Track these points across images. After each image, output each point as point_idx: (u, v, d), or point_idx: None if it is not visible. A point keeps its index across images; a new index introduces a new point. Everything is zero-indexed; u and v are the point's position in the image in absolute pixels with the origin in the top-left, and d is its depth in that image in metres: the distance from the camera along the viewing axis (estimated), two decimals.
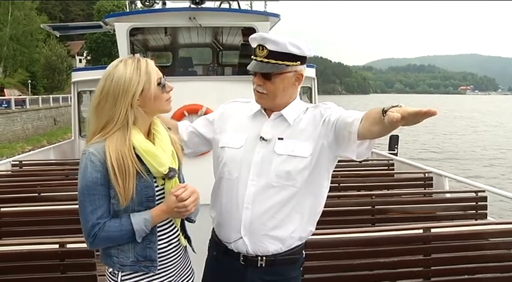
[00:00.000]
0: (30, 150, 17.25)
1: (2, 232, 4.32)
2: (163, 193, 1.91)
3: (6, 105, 32.72)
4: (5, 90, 40.53)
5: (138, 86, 1.81)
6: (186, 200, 1.85)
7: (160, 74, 1.91)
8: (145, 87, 1.83)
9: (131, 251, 1.88)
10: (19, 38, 47.73)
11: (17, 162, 7.96)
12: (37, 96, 40.25)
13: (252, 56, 2.13)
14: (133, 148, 1.81)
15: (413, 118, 1.52)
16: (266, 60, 2.05)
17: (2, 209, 4.35)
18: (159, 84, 1.88)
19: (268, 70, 2.06)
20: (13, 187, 6.03)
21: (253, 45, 2.12)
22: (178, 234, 2.01)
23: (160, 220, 1.90)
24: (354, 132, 1.86)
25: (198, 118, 2.47)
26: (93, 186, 1.78)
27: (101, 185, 1.79)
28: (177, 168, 1.94)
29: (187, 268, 2.08)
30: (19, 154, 13.86)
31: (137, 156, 1.82)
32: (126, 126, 1.82)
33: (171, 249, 1.96)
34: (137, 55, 1.93)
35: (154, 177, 1.88)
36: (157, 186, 1.89)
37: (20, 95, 40.36)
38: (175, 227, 2.00)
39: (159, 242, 1.92)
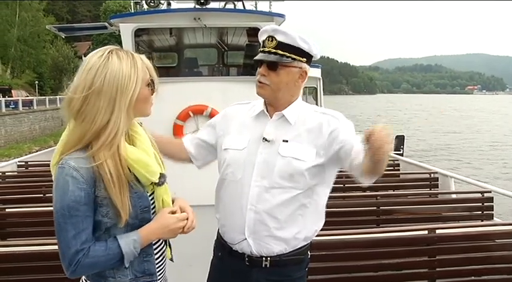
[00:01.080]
0: (37, 151, 17.33)
1: (8, 233, 4.35)
2: (154, 202, 1.72)
3: (13, 106, 32.95)
4: (12, 91, 40.82)
5: (136, 85, 1.59)
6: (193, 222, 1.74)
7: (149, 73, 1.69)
8: (141, 86, 1.62)
9: (129, 268, 1.67)
10: (26, 39, 48.15)
11: (23, 163, 8.03)
12: (44, 97, 40.53)
13: (260, 49, 2.13)
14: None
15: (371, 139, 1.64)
16: (274, 50, 2.06)
17: (7, 210, 4.39)
18: (148, 84, 1.67)
19: (276, 59, 2.06)
20: (19, 188, 6.09)
21: (263, 37, 2.12)
22: (165, 245, 1.84)
23: (150, 241, 1.69)
24: (356, 168, 1.94)
25: (202, 127, 2.44)
26: (76, 206, 1.52)
27: (84, 205, 1.54)
28: (164, 171, 1.76)
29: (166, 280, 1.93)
30: (26, 154, 13.93)
31: None
32: (124, 134, 1.61)
33: (162, 260, 1.82)
34: (112, 47, 1.67)
35: (143, 185, 1.67)
36: (147, 193, 1.70)
37: (27, 96, 40.63)
38: None
39: (155, 255, 1.76)
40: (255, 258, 2.12)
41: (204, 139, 2.34)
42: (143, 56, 1.68)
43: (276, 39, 2.06)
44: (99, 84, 1.55)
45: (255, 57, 2.12)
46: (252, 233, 2.09)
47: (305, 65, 2.11)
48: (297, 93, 2.19)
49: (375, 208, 4.72)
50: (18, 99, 34.56)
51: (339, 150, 2.02)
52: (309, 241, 2.21)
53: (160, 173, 1.70)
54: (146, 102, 1.68)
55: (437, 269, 3.32)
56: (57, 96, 41.86)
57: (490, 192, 4.96)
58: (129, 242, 1.61)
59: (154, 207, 1.73)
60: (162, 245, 1.82)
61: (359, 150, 1.87)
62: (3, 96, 35.55)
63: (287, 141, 2.08)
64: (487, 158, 29.55)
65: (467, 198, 5.11)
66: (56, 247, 2.96)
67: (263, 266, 2.11)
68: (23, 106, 33.67)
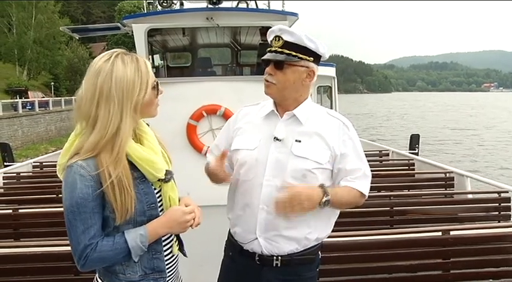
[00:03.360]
0: (53, 152, 17.56)
1: (21, 233, 4.39)
2: (161, 199, 1.77)
3: (30, 107, 33.43)
4: (28, 92, 41.36)
5: (140, 89, 1.65)
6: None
7: (153, 76, 1.73)
8: (146, 91, 1.67)
9: (138, 265, 1.71)
10: (42, 41, 48.75)
11: (38, 164, 8.11)
12: (60, 98, 41.14)
13: (268, 49, 2.15)
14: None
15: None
16: (280, 50, 2.07)
17: (20, 211, 4.42)
18: (153, 87, 1.71)
19: (282, 58, 2.07)
20: (33, 188, 6.16)
21: (270, 37, 2.14)
22: (173, 242, 1.87)
23: (158, 236, 1.73)
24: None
25: (219, 136, 2.42)
26: (84, 203, 1.59)
27: (92, 201, 1.60)
28: (170, 169, 1.81)
29: (179, 277, 1.96)
30: (43, 155, 14.12)
31: (129, 162, 1.66)
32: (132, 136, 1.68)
33: (172, 257, 1.85)
34: (118, 50, 1.71)
35: (150, 182, 1.73)
36: (155, 190, 1.75)
37: (44, 97, 41.18)
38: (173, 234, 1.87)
39: (164, 252, 1.80)
40: (265, 257, 2.12)
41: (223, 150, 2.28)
42: (146, 60, 1.72)
43: (282, 39, 2.07)
44: (106, 89, 1.60)
45: (263, 57, 2.13)
46: (263, 233, 2.10)
47: (312, 65, 2.11)
48: (306, 93, 2.18)
49: (388, 208, 4.65)
50: (34, 101, 35.05)
51: (338, 171, 2.11)
52: (320, 241, 2.20)
53: (166, 170, 1.75)
54: (151, 105, 1.74)
55: (452, 271, 3.27)
56: (73, 97, 42.03)
57: (507, 192, 4.84)
58: (135, 237, 1.65)
59: (161, 204, 1.77)
60: (172, 242, 1.84)
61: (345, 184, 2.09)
62: (19, 98, 36.07)
63: (300, 141, 2.08)
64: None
65: (483, 198, 5.02)
66: (66, 248, 3.01)
67: (274, 265, 2.12)
68: (39, 107, 34.14)
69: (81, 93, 1.65)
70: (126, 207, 1.62)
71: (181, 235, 1.89)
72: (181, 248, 1.91)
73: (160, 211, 1.75)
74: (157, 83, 1.74)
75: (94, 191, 1.60)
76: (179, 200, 1.82)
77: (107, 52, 1.69)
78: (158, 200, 1.75)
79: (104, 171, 1.59)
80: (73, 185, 1.59)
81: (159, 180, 1.73)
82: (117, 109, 1.61)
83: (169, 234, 1.82)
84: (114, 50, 1.71)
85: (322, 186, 2.00)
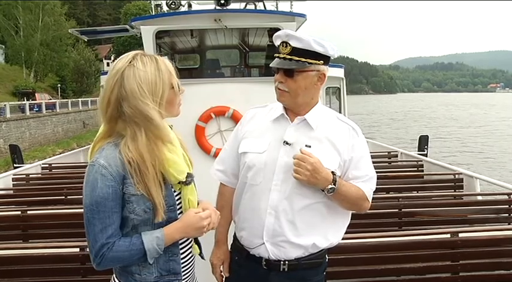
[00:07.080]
0: (60, 153, 17.64)
1: (30, 234, 4.41)
2: (181, 201, 1.78)
3: (37, 109, 33.52)
4: (36, 94, 41.55)
5: (163, 88, 1.67)
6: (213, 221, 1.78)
7: (174, 75, 1.75)
8: (168, 89, 1.70)
9: (154, 266, 1.73)
10: (49, 43, 48.91)
11: (47, 165, 8.16)
12: (66, 100, 41.32)
13: (275, 54, 2.10)
14: None
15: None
16: (289, 57, 2.03)
17: (29, 212, 4.44)
18: (173, 86, 1.73)
19: (291, 66, 2.03)
20: (42, 190, 6.20)
21: (277, 42, 2.10)
22: (192, 243, 1.89)
23: (174, 240, 1.73)
24: None
25: (227, 144, 2.39)
26: (104, 202, 1.62)
27: (111, 201, 1.63)
28: (191, 171, 1.81)
29: (195, 279, 1.97)
30: (50, 157, 14.18)
31: None
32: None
33: (189, 260, 1.86)
34: (136, 52, 1.74)
35: (170, 184, 1.74)
36: (175, 192, 1.76)
37: (51, 99, 41.36)
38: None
39: (181, 254, 1.81)
40: (272, 262, 2.10)
41: (233, 163, 2.28)
42: (166, 59, 1.74)
43: (290, 45, 2.02)
44: (127, 90, 1.62)
45: (271, 64, 2.10)
46: (270, 238, 2.07)
47: (323, 67, 2.08)
48: (317, 96, 2.15)
49: (397, 210, 4.63)
50: (41, 102, 35.17)
51: (346, 176, 2.09)
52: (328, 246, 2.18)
53: (188, 173, 1.75)
54: (173, 103, 1.75)
55: (461, 274, 3.24)
56: (79, 99, 42.60)
57: None
58: (152, 239, 1.67)
59: (180, 207, 1.77)
60: (190, 245, 1.85)
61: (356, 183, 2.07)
62: (27, 100, 36.24)
63: (310, 146, 2.04)
64: None
65: (493, 200, 5.00)
66: (74, 250, 3.03)
67: (281, 269, 2.09)
68: (46, 109, 34.26)
69: (102, 95, 1.68)
70: (163, 203, 1.66)
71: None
72: (199, 248, 1.92)
73: (179, 214, 1.77)
74: (177, 81, 1.75)
75: (114, 191, 1.63)
76: (197, 203, 1.83)
77: (126, 54, 1.71)
78: (177, 202, 1.77)
79: (145, 166, 1.63)
80: (94, 184, 1.62)
81: (179, 182, 1.74)
82: (142, 109, 1.62)
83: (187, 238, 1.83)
84: (133, 51, 1.73)
85: (334, 173, 1.97)
